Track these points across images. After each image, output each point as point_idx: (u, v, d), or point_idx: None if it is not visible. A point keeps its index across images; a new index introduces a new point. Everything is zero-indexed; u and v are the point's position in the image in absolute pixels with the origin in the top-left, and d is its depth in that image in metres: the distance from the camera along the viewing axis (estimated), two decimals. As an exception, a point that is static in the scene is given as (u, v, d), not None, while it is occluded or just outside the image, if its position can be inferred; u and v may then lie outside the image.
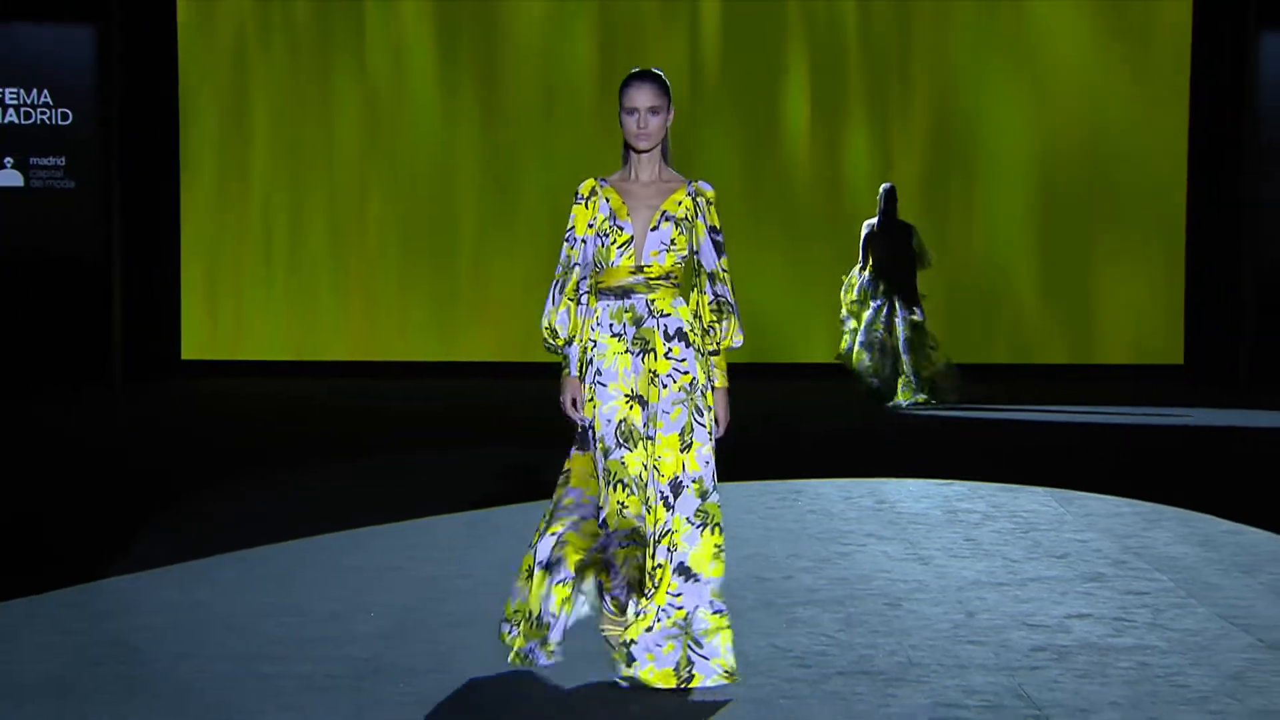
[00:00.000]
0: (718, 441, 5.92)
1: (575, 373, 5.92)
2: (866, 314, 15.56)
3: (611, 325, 5.87)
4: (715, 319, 5.92)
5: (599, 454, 5.85)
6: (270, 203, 18.07)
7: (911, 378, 15.43)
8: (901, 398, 15.46)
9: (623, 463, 5.78)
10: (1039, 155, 18.14)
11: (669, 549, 5.73)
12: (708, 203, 5.96)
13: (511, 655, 5.85)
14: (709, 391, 5.89)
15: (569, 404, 5.92)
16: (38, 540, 8.88)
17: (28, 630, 6.77)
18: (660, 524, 5.75)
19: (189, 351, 18.05)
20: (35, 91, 17.31)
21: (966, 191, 18.19)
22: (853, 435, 13.98)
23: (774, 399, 15.11)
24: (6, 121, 17.29)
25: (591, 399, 5.86)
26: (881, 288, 15.57)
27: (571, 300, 5.91)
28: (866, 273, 15.65)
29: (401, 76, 18.17)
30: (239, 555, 8.24)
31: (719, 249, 5.95)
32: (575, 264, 5.93)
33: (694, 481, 5.78)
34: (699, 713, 5.52)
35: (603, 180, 5.99)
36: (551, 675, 5.97)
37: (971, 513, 9.71)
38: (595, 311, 5.91)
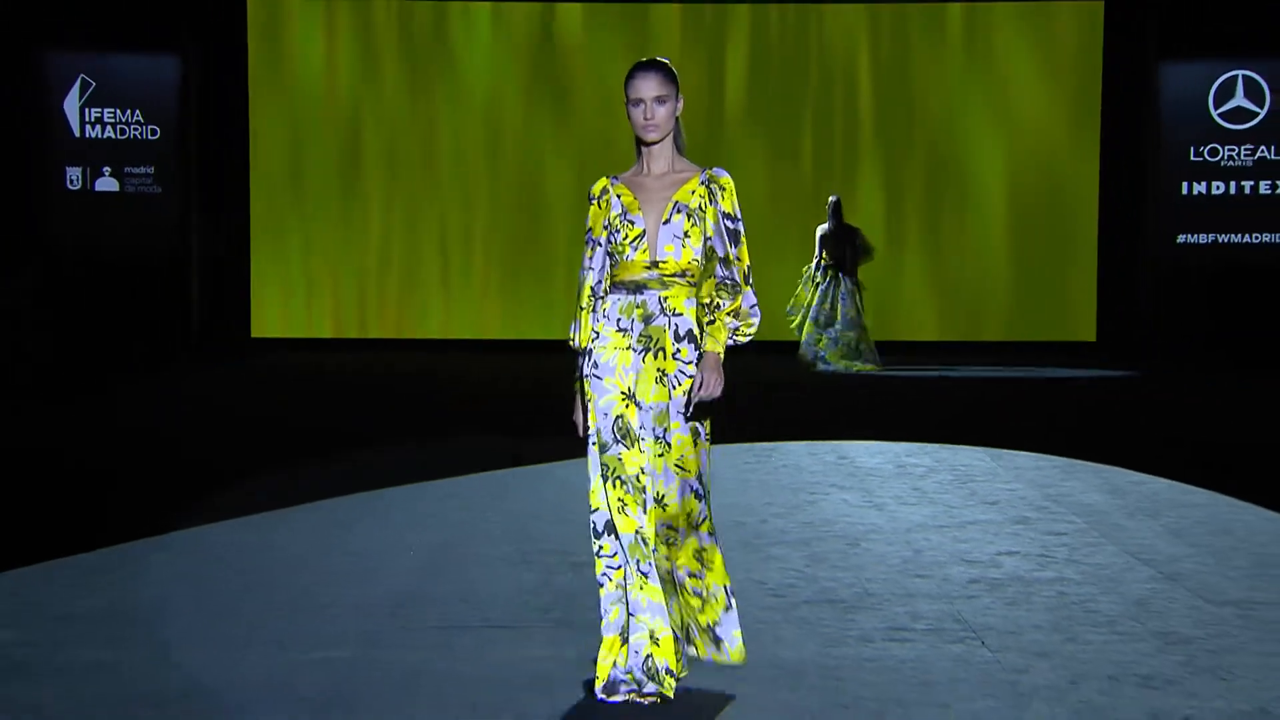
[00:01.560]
0: (709, 405, 4.87)
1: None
2: (815, 294, 16.19)
3: (619, 320, 4.87)
4: (716, 294, 4.90)
5: (594, 449, 4.87)
6: (324, 200, 18.06)
7: (846, 347, 16.10)
8: (840, 364, 16.03)
9: (620, 459, 4.80)
10: (1003, 181, 18.28)
11: (710, 534, 4.87)
12: (721, 189, 4.91)
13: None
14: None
15: (579, 419, 4.97)
16: (136, 492, 8.89)
17: (127, 567, 6.78)
18: (696, 513, 4.83)
19: (258, 330, 18.06)
20: (129, 111, 17.31)
21: (956, 210, 18.34)
22: (819, 402, 13.99)
23: (764, 372, 15.14)
24: (105, 136, 17.30)
25: (587, 393, 4.90)
26: (830, 275, 16.15)
27: (585, 309, 4.94)
28: (819, 264, 16.29)
29: (476, 92, 18.26)
30: (312, 506, 8.24)
31: (733, 236, 4.90)
32: (590, 269, 4.96)
33: (699, 482, 4.86)
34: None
35: (615, 178, 5.01)
36: (562, 605, 5.99)
37: (918, 466, 9.71)
38: (604, 304, 4.92)
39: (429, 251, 18.16)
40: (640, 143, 4.97)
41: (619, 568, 4.85)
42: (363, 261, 18.13)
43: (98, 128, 17.32)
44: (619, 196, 4.95)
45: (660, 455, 4.80)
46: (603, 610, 4.88)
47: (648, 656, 4.78)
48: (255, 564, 6.85)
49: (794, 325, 16.20)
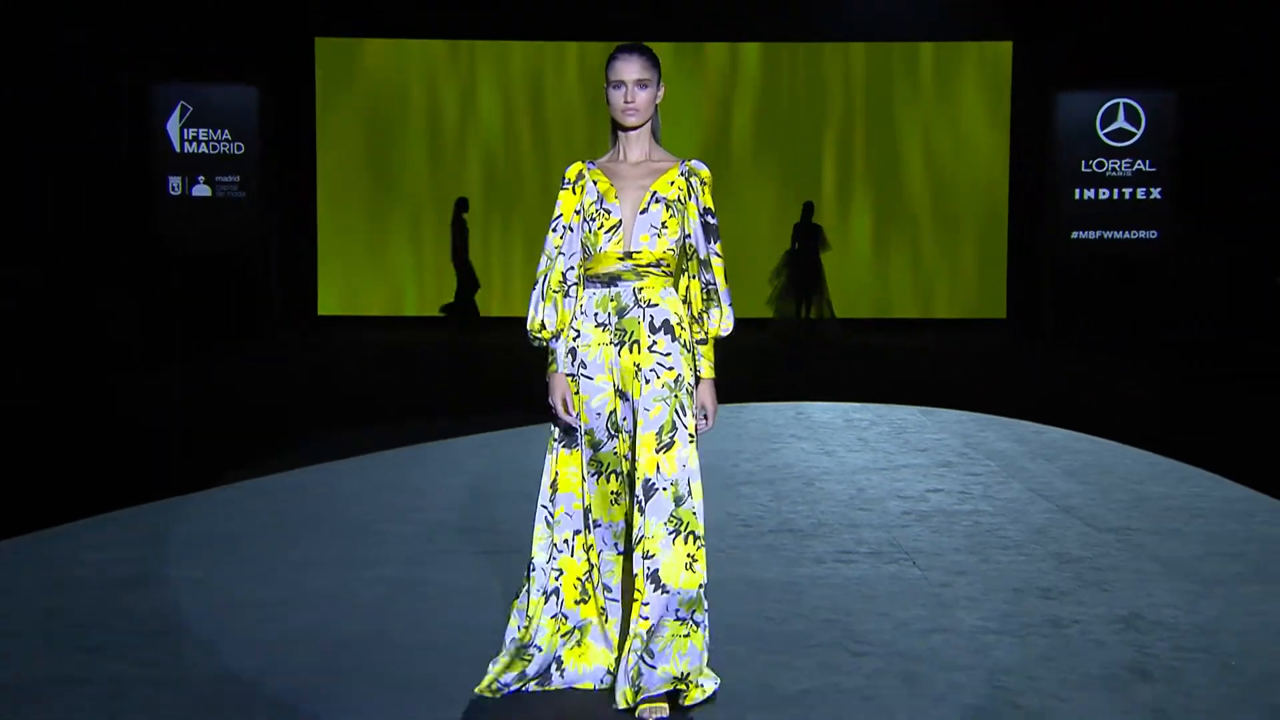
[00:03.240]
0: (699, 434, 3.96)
1: (563, 368, 3.95)
2: (785, 276, 16.68)
3: (597, 315, 3.91)
4: (704, 308, 3.97)
5: (586, 447, 3.93)
6: (378, 205, 18.03)
7: (807, 314, 16.66)
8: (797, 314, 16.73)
9: (615, 453, 3.91)
10: (941, 189, 18.29)
11: (644, 556, 3.81)
12: (701, 183, 3.96)
13: (485, 681, 3.96)
14: (693, 389, 3.93)
15: (559, 404, 3.92)
16: (223, 443, 8.87)
17: (218, 504, 6.79)
18: (637, 528, 3.85)
19: (324, 309, 18.04)
20: (219, 130, 17.25)
21: (907, 212, 18.30)
22: (781, 369, 13.98)
23: (736, 343, 15.10)
24: (200, 152, 17.25)
25: (577, 392, 3.92)
26: (795, 263, 16.67)
27: (558, 293, 3.93)
28: (791, 250, 16.85)
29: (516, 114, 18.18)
30: (369, 456, 8.22)
31: (711, 233, 3.96)
32: (561, 254, 3.95)
33: (670, 485, 3.82)
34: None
35: (590, 163, 4.01)
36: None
37: (862, 420, 9.71)
38: (580, 300, 3.95)
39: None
40: (618, 127, 3.99)
41: (597, 550, 3.99)
42: (410, 251, 18.08)
43: (194, 144, 17.27)
44: (595, 182, 3.97)
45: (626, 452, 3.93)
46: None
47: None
48: (321, 501, 6.85)
49: (767, 300, 16.38)
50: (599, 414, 3.92)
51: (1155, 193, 17.53)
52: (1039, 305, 17.76)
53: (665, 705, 3.78)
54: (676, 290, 3.98)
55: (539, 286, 3.96)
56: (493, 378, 12.84)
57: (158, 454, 8.36)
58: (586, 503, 3.97)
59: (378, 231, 18.06)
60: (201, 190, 17.31)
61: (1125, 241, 17.60)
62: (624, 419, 3.91)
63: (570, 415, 3.92)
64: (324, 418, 9.83)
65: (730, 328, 4.00)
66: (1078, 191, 17.61)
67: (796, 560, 5.60)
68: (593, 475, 3.95)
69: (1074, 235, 17.63)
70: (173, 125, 17.26)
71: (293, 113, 17.75)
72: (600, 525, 3.98)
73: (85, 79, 16.31)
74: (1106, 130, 17.57)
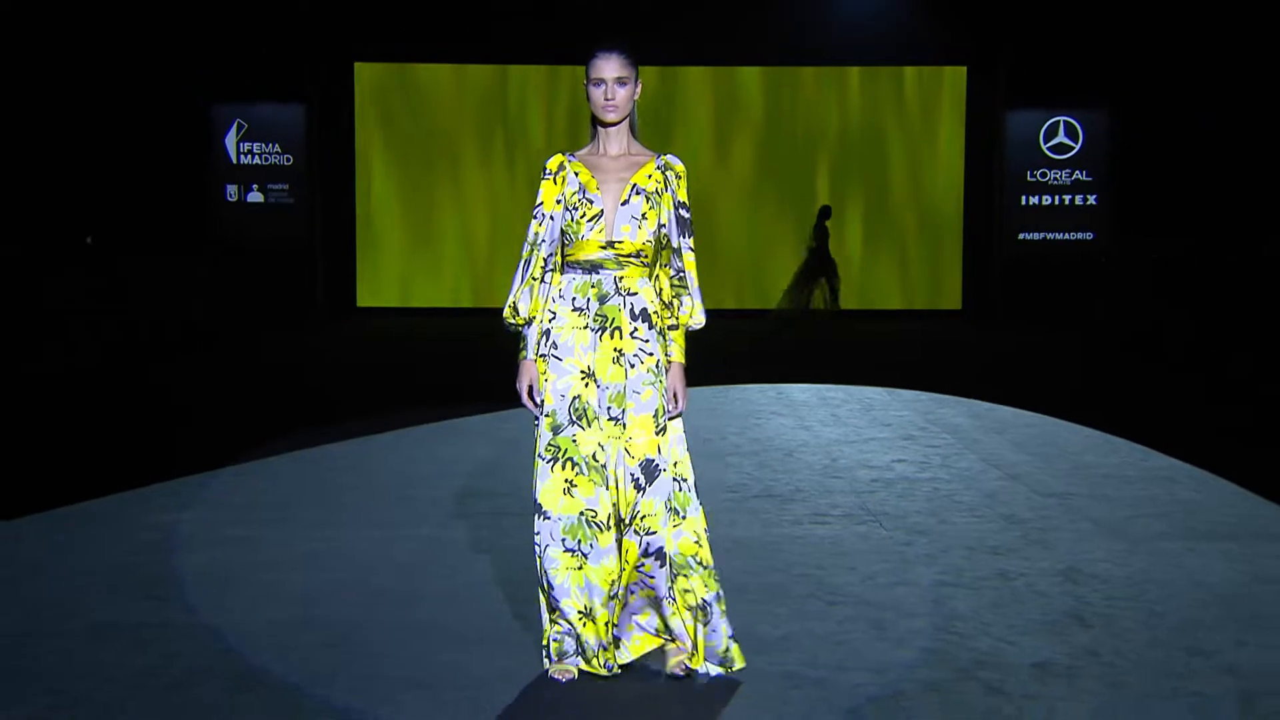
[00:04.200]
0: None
1: (532, 355, 3.63)
2: (799, 270, 16.95)
3: (574, 299, 3.59)
4: (674, 295, 3.66)
5: (546, 430, 3.58)
6: (411, 210, 18.00)
7: (827, 300, 16.87)
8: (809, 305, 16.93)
9: (574, 440, 3.54)
10: (913, 196, 18.15)
11: (639, 532, 3.55)
12: (677, 177, 3.65)
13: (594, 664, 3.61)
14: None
15: (525, 391, 3.63)
16: (271, 418, 8.85)
17: (265, 473, 6.78)
18: (630, 505, 3.55)
19: (362, 301, 18.01)
20: (270, 144, 17.25)
21: (882, 217, 18.20)
22: (764, 355, 13.97)
23: (726, 332, 15.10)
24: (253, 163, 17.25)
25: (544, 373, 3.61)
26: (810, 260, 16.87)
27: (535, 280, 3.61)
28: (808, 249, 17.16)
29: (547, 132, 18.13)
30: (406, 431, 8.21)
31: (684, 226, 3.64)
32: (542, 241, 3.62)
33: (671, 465, 3.58)
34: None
35: (571, 155, 3.66)
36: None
37: (835, 399, 9.70)
38: (558, 285, 3.62)
39: (504, 237, 18.08)
40: (598, 123, 3.66)
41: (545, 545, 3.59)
42: (442, 250, 18.04)
43: (248, 156, 17.26)
44: (576, 174, 3.63)
45: (615, 437, 3.58)
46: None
47: (576, 636, 3.59)
48: (359, 470, 6.85)
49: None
50: (562, 396, 3.58)
51: (1092, 199, 17.55)
52: (990, 297, 17.77)
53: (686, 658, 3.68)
54: (650, 281, 3.67)
55: (519, 273, 3.65)
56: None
57: (215, 429, 8.35)
58: (534, 488, 3.60)
59: (411, 233, 18.02)
60: (255, 197, 17.31)
61: (1066, 242, 17.63)
62: (597, 406, 3.57)
63: (533, 401, 3.64)
64: (364, 397, 9.82)
65: (701, 321, 3.72)
66: (1024, 198, 17.62)
67: (776, 522, 5.60)
68: (547, 461, 3.57)
69: (1021, 236, 17.64)
70: (230, 139, 17.25)
71: (335, 128, 17.73)
72: (550, 518, 3.56)
73: (153, 100, 16.34)
74: (1049, 144, 17.58)
